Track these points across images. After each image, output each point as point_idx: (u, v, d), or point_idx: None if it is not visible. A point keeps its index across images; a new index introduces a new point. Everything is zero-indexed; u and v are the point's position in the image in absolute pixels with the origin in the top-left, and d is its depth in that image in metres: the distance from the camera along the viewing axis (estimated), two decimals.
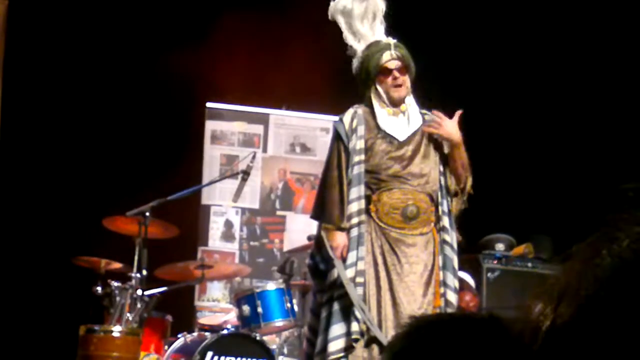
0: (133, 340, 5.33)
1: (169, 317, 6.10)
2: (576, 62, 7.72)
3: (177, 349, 5.91)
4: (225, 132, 8.22)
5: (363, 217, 4.85)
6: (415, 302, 4.77)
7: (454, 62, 7.68)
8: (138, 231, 5.65)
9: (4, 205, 7.34)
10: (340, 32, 5.09)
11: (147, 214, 5.64)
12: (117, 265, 5.98)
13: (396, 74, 4.92)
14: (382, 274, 4.81)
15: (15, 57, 7.15)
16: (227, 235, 8.08)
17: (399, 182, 4.90)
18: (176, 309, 6.36)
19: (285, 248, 7.81)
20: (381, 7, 5.06)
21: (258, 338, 5.84)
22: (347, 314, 4.73)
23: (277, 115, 8.28)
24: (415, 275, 4.80)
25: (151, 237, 5.70)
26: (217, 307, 7.80)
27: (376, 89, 4.96)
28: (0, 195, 7.30)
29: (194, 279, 6.27)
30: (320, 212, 4.99)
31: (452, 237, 4.94)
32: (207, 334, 5.99)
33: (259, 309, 5.98)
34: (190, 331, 6.13)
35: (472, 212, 5.12)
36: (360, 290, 4.74)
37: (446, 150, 5.01)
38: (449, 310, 4.76)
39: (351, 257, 4.80)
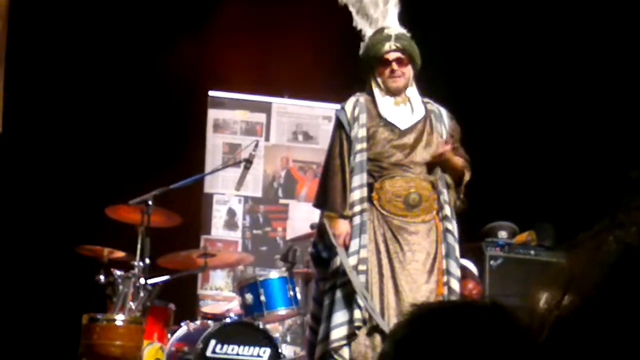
0: (136, 329, 5.34)
1: (172, 306, 6.10)
2: (579, 51, 7.70)
3: (180, 338, 5.92)
4: (228, 120, 8.22)
5: (365, 205, 4.84)
6: (418, 289, 4.76)
7: (460, 49, 7.66)
8: (141, 220, 5.65)
9: (8, 195, 7.34)
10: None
11: (150, 202, 5.65)
12: (120, 253, 5.98)
13: (394, 65, 4.91)
14: (385, 261, 4.80)
15: (17, 46, 7.14)
16: (230, 224, 8.08)
17: (401, 170, 4.90)
18: (179, 298, 6.36)
19: (288, 236, 7.82)
20: None
21: (261, 326, 5.85)
22: (350, 302, 4.72)
23: (280, 104, 8.28)
24: (417, 263, 4.80)
25: (154, 225, 5.70)
26: (220, 296, 7.81)
27: (375, 78, 4.97)
28: (3, 185, 7.31)
29: (196, 268, 6.27)
30: (323, 200, 4.98)
31: (454, 225, 4.94)
32: (210, 322, 6.00)
33: (262, 297, 5.98)
34: (193, 320, 6.13)
35: (475, 199, 5.11)
36: (362, 278, 4.74)
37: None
38: (452, 298, 4.76)
39: (354, 245, 4.79)
